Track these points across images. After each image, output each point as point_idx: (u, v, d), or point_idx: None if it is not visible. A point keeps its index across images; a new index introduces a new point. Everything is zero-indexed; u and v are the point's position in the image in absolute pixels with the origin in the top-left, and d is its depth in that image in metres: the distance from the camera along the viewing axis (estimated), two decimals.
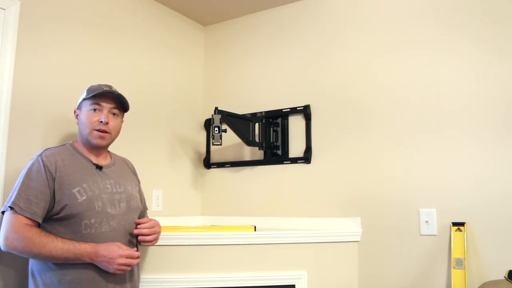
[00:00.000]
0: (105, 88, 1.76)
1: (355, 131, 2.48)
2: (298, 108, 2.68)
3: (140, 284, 1.87)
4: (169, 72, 2.87)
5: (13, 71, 1.97)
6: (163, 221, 2.53)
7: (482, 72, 2.16)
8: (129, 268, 1.65)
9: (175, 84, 2.91)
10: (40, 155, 1.65)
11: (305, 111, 2.64)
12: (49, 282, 1.57)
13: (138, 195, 1.88)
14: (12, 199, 1.56)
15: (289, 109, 2.71)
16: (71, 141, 1.79)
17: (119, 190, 1.75)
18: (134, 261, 1.64)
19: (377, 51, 2.47)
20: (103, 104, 1.75)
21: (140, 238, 1.73)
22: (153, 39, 2.76)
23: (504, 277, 1.90)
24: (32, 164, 1.62)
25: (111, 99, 1.77)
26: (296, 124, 2.70)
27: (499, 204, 2.06)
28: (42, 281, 1.58)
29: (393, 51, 2.41)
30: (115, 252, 1.58)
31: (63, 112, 2.15)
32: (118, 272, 1.61)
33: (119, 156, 1.96)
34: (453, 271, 2.07)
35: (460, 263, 2.06)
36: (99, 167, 1.75)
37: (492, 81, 2.14)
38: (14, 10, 1.98)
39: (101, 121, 1.73)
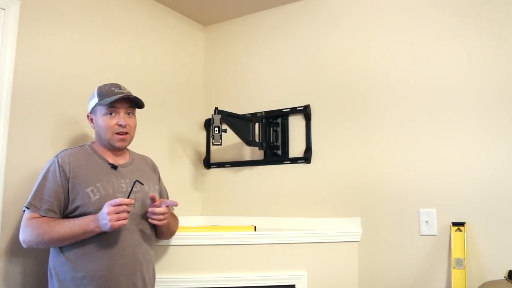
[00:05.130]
0: (115, 90, 1.76)
1: (355, 131, 2.48)
2: (298, 108, 2.67)
3: None
4: (169, 72, 2.86)
5: (13, 71, 1.96)
6: None
7: (482, 64, 2.16)
8: (126, 220, 1.58)
9: (175, 84, 2.90)
10: (57, 156, 1.72)
11: (305, 111, 2.64)
12: (63, 278, 1.64)
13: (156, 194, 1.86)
14: (29, 199, 1.65)
15: (289, 109, 2.71)
16: (90, 142, 1.84)
17: (134, 189, 1.72)
18: (125, 207, 1.58)
19: (377, 50, 2.46)
20: (119, 106, 1.76)
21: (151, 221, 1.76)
22: (153, 38, 2.76)
23: (504, 277, 1.90)
24: (49, 166, 1.70)
25: (125, 100, 1.78)
26: (296, 124, 2.70)
27: (499, 204, 2.06)
28: (57, 277, 1.65)
29: (393, 48, 2.41)
30: (105, 208, 1.57)
31: (63, 111, 2.16)
32: (120, 225, 1.57)
33: (138, 154, 1.98)
34: (453, 271, 2.07)
35: (460, 263, 2.06)
36: (114, 167, 1.77)
37: (494, 75, 2.13)
38: (14, 10, 1.98)
39: (120, 125, 1.75)
